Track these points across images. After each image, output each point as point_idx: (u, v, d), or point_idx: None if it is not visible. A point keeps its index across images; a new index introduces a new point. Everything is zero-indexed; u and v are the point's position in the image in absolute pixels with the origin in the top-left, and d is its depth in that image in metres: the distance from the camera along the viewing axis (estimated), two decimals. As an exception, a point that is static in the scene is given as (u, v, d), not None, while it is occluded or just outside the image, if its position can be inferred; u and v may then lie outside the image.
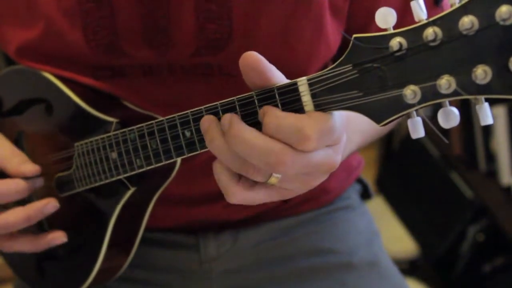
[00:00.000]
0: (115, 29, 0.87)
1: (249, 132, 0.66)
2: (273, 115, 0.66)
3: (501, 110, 2.05)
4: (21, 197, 0.88)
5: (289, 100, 0.67)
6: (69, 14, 0.87)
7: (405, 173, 2.52)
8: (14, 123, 0.97)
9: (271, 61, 0.68)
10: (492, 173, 2.14)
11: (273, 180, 0.68)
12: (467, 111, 2.12)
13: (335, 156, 0.68)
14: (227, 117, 0.68)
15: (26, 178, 0.89)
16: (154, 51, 0.88)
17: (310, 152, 0.66)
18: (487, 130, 2.12)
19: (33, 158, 0.95)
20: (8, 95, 0.98)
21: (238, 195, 0.70)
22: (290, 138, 0.65)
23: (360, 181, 1.17)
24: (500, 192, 2.11)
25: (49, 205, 0.88)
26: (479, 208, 2.15)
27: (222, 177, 0.70)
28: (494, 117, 1.90)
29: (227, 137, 0.68)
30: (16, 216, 0.87)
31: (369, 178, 1.37)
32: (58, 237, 0.90)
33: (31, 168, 0.89)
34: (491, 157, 2.14)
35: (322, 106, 0.66)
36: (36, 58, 0.93)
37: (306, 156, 0.66)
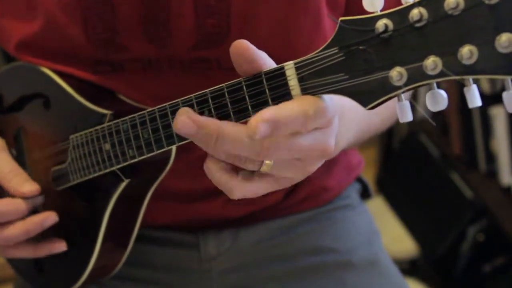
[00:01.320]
0: (114, 23, 0.87)
1: (229, 128, 0.66)
2: (274, 109, 0.65)
3: (501, 110, 2.05)
4: (20, 216, 0.89)
5: (276, 84, 0.67)
6: (68, 8, 0.88)
7: (405, 173, 2.51)
8: (14, 119, 0.98)
9: (269, 55, 0.68)
10: (492, 173, 2.14)
11: (264, 168, 0.68)
12: (467, 111, 2.13)
13: (327, 139, 0.68)
14: (186, 119, 0.68)
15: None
16: (154, 45, 0.88)
17: (291, 137, 0.66)
18: (487, 130, 2.12)
19: (32, 153, 0.96)
20: (8, 92, 0.99)
21: (239, 189, 0.70)
22: (297, 124, 0.65)
23: (360, 180, 1.17)
24: (500, 192, 2.11)
25: (49, 219, 0.89)
26: (479, 208, 2.14)
27: (219, 176, 0.70)
28: (494, 117, 1.89)
29: (213, 145, 0.67)
30: (16, 230, 0.88)
31: (369, 178, 1.37)
32: (58, 246, 0.92)
33: (30, 188, 0.90)
34: (491, 157, 2.14)
35: (309, 90, 0.66)
36: (36, 53, 0.94)
37: (290, 140, 0.66)
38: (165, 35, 0.88)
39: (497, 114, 2.06)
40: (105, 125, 0.84)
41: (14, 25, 0.94)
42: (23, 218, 0.89)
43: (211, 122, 0.67)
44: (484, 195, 2.12)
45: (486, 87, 2.00)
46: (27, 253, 0.92)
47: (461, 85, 0.60)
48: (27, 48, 0.94)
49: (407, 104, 0.63)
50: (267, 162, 0.68)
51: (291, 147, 0.66)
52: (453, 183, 2.23)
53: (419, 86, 0.61)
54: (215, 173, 0.70)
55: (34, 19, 0.91)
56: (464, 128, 2.19)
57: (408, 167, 2.50)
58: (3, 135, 0.99)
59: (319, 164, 0.71)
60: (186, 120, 0.67)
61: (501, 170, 2.10)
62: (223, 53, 0.87)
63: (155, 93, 0.91)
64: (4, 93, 0.99)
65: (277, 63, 0.69)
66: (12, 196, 0.90)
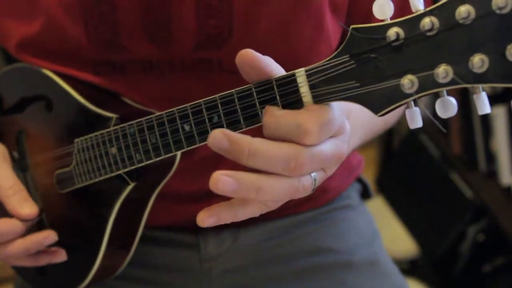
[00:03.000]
0: (115, 24, 0.87)
1: (261, 143, 0.66)
2: (272, 115, 0.67)
3: (501, 110, 2.05)
4: (17, 236, 0.89)
5: (287, 91, 0.67)
6: (69, 9, 0.88)
7: (405, 173, 2.51)
8: (15, 121, 0.98)
9: (270, 57, 0.68)
10: (492, 173, 2.14)
11: (313, 188, 0.69)
12: (467, 111, 2.12)
13: (343, 145, 0.69)
14: (222, 136, 0.66)
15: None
16: (155, 46, 0.88)
17: (318, 147, 0.66)
18: (487, 130, 2.12)
19: (34, 155, 0.95)
20: (9, 93, 0.99)
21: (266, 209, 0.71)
22: (291, 135, 0.65)
23: (360, 180, 1.17)
24: (500, 192, 2.10)
25: (49, 238, 0.89)
26: (479, 208, 2.14)
27: (251, 211, 0.70)
28: (494, 117, 1.89)
29: (241, 157, 0.66)
30: (16, 248, 0.89)
31: (369, 178, 1.38)
32: (59, 256, 0.92)
33: (29, 212, 0.89)
34: (491, 157, 2.13)
35: (320, 97, 0.66)
36: (36, 54, 0.93)
37: (319, 151, 0.66)
38: (166, 36, 0.88)
39: (497, 114, 2.06)
40: (111, 129, 0.83)
41: (14, 25, 0.94)
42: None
43: (243, 138, 0.66)
44: (484, 195, 2.12)
45: (486, 87, 2.00)
46: (28, 263, 0.92)
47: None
48: (28, 48, 0.94)
49: (417, 110, 0.64)
50: (314, 179, 0.68)
51: (320, 158, 0.67)
52: (453, 183, 2.23)
53: (429, 94, 0.61)
54: (248, 212, 0.71)
55: (35, 19, 0.91)
56: (464, 128, 2.19)
57: (408, 167, 2.50)
58: (3, 137, 0.99)
59: (334, 170, 0.72)
60: (219, 134, 0.66)
61: (501, 170, 2.09)
62: (224, 55, 0.87)
63: (156, 94, 0.91)
64: (5, 95, 0.99)
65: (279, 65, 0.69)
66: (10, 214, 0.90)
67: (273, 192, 0.67)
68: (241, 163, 0.66)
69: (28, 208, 0.89)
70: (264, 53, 0.68)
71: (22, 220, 0.89)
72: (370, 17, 0.69)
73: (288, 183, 0.67)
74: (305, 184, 0.68)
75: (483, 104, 0.60)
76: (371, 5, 0.63)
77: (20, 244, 0.88)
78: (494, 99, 2.00)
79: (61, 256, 0.91)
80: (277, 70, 0.69)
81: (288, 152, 0.65)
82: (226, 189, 0.65)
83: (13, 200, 0.89)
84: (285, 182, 0.67)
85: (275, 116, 0.66)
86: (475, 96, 0.60)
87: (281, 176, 0.66)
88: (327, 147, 0.67)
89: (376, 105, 0.64)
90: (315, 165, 0.67)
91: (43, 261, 0.92)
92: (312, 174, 0.69)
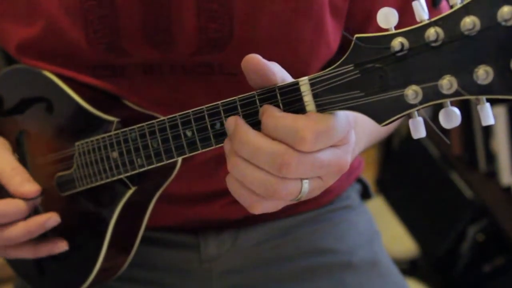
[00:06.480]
0: (116, 27, 0.87)
1: (254, 135, 0.67)
2: (271, 115, 0.67)
3: (501, 110, 2.05)
4: (21, 217, 0.88)
5: (290, 100, 0.67)
6: (70, 12, 0.87)
7: (405, 173, 2.52)
8: (15, 122, 0.97)
9: (271, 60, 0.68)
10: (492, 173, 2.14)
11: (303, 196, 0.69)
12: (467, 111, 2.12)
13: (344, 156, 0.68)
14: (232, 120, 0.69)
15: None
16: (155, 50, 0.88)
17: (312, 153, 0.66)
18: (487, 130, 2.12)
19: (34, 157, 0.95)
20: (9, 94, 0.98)
21: (259, 205, 0.70)
22: (287, 139, 0.65)
23: (360, 181, 1.17)
24: (500, 192, 2.11)
25: (51, 220, 0.88)
26: (479, 208, 2.15)
27: (241, 193, 0.70)
28: (494, 117, 1.90)
29: (233, 142, 0.68)
30: (18, 231, 0.88)
31: (369, 178, 1.37)
32: (59, 246, 0.91)
33: (31, 189, 0.89)
34: (491, 157, 2.14)
35: (324, 106, 0.66)
36: (36, 56, 0.93)
37: (312, 157, 0.66)
38: (167, 40, 0.87)
39: (497, 114, 2.06)
40: (112, 133, 0.83)
41: (14, 28, 0.94)
42: (25, 218, 0.89)
43: (244, 126, 0.68)
44: (484, 195, 2.13)
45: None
46: (28, 253, 0.91)
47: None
48: (27, 51, 0.94)
49: (420, 120, 0.64)
50: (304, 188, 0.68)
51: (312, 163, 0.66)
52: (453, 183, 2.23)
53: (433, 104, 0.61)
54: (237, 190, 0.70)
55: (35, 22, 0.91)
56: (464, 128, 2.19)
57: (408, 167, 2.50)
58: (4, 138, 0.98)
59: (334, 180, 0.71)
60: (233, 119, 0.69)
61: (501, 170, 2.10)
62: (225, 58, 0.87)
63: (157, 97, 0.91)
64: (5, 96, 0.99)
65: None
66: (13, 196, 0.89)
67: (248, 177, 0.67)
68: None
69: (29, 186, 0.89)
70: (264, 56, 0.68)
71: (25, 199, 0.88)
72: (370, 22, 0.69)
73: (267, 178, 0.67)
74: (290, 187, 0.67)
75: (487, 115, 0.60)
76: (371, 9, 0.63)
77: (23, 226, 0.87)
78: (494, 99, 2.00)
79: (61, 245, 0.91)
80: (281, 77, 0.68)
81: (276, 148, 0.66)
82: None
83: (15, 181, 0.89)
84: (264, 175, 0.67)
85: (274, 117, 0.66)
86: (479, 107, 0.60)
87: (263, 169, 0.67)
88: (325, 155, 0.67)
89: (379, 115, 0.64)
90: (307, 170, 0.67)
91: (43, 250, 0.91)
92: (304, 181, 0.68)
